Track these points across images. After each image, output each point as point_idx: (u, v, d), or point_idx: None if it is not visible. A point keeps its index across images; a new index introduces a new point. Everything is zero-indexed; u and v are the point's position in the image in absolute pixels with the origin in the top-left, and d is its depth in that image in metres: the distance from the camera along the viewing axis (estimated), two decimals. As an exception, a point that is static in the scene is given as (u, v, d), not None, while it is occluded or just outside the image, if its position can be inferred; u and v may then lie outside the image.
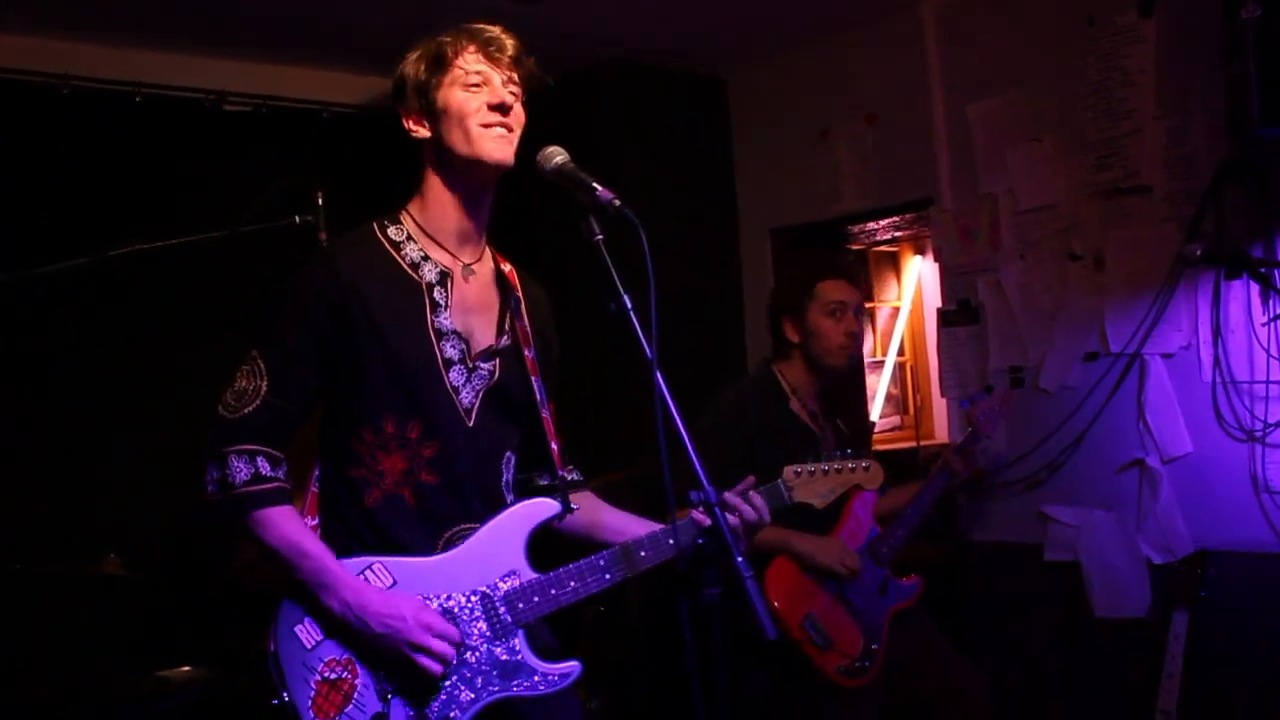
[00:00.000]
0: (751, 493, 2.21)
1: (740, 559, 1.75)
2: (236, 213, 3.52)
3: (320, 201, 3.53)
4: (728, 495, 2.16)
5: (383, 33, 4.34)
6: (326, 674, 1.96)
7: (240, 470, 1.97)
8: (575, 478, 2.36)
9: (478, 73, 2.08)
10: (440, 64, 2.08)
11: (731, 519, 2.12)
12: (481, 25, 2.12)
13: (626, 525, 2.26)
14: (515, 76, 2.12)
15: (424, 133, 2.11)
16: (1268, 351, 3.42)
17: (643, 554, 2.12)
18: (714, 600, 1.78)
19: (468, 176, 2.11)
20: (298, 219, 3.51)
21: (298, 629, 1.98)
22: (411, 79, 2.10)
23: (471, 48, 2.09)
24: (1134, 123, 3.75)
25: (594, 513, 2.30)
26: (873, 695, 3.17)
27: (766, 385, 3.37)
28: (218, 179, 4.36)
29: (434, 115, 2.08)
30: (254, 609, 3.45)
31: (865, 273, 6.25)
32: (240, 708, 3.32)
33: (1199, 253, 3.19)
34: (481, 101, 2.06)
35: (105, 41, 4.30)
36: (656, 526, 2.20)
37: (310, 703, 1.94)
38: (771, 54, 5.00)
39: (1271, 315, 3.41)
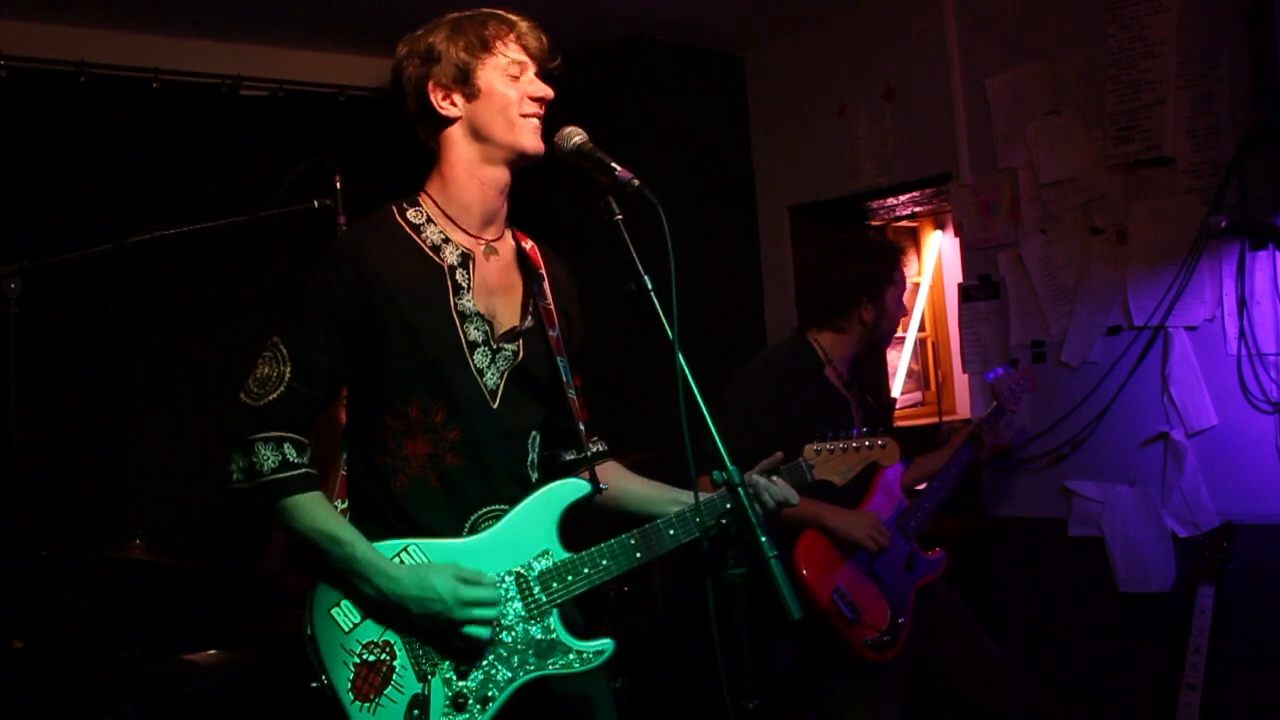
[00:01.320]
0: (775, 477, 2.21)
1: (764, 539, 1.75)
2: (255, 197, 3.53)
3: (339, 185, 3.54)
4: (755, 477, 2.16)
5: (399, 15, 4.33)
6: (365, 656, 1.97)
7: (268, 458, 1.98)
8: (601, 449, 2.37)
9: (518, 63, 2.10)
10: (484, 46, 2.08)
11: (764, 498, 2.14)
12: (512, 15, 2.13)
13: (653, 494, 2.28)
14: (543, 70, 2.14)
15: (455, 111, 2.10)
16: (1293, 323, 3.39)
17: (672, 532, 2.13)
18: (738, 579, 1.78)
19: (498, 160, 2.12)
20: (316, 203, 3.52)
21: (334, 612, 1.99)
22: (450, 55, 2.08)
23: (511, 36, 2.11)
24: (1156, 93, 3.71)
25: (621, 483, 2.31)
26: (896, 668, 3.17)
27: (802, 353, 3.37)
28: (235, 164, 4.38)
29: (471, 96, 2.08)
30: (281, 592, 3.49)
31: (885, 248, 6.21)
32: (268, 690, 3.36)
33: (1224, 224, 3.16)
34: (522, 92, 2.09)
35: (121, 28, 4.32)
36: (682, 494, 2.22)
37: (350, 684, 1.95)
38: (789, 30, 4.97)
39: (1297, 286, 3.38)
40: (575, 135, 2.04)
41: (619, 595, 3.78)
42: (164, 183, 4.25)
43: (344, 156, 3.67)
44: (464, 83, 2.08)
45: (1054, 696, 3.99)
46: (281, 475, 1.98)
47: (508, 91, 2.08)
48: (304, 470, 2.01)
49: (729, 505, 1.85)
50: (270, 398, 1.99)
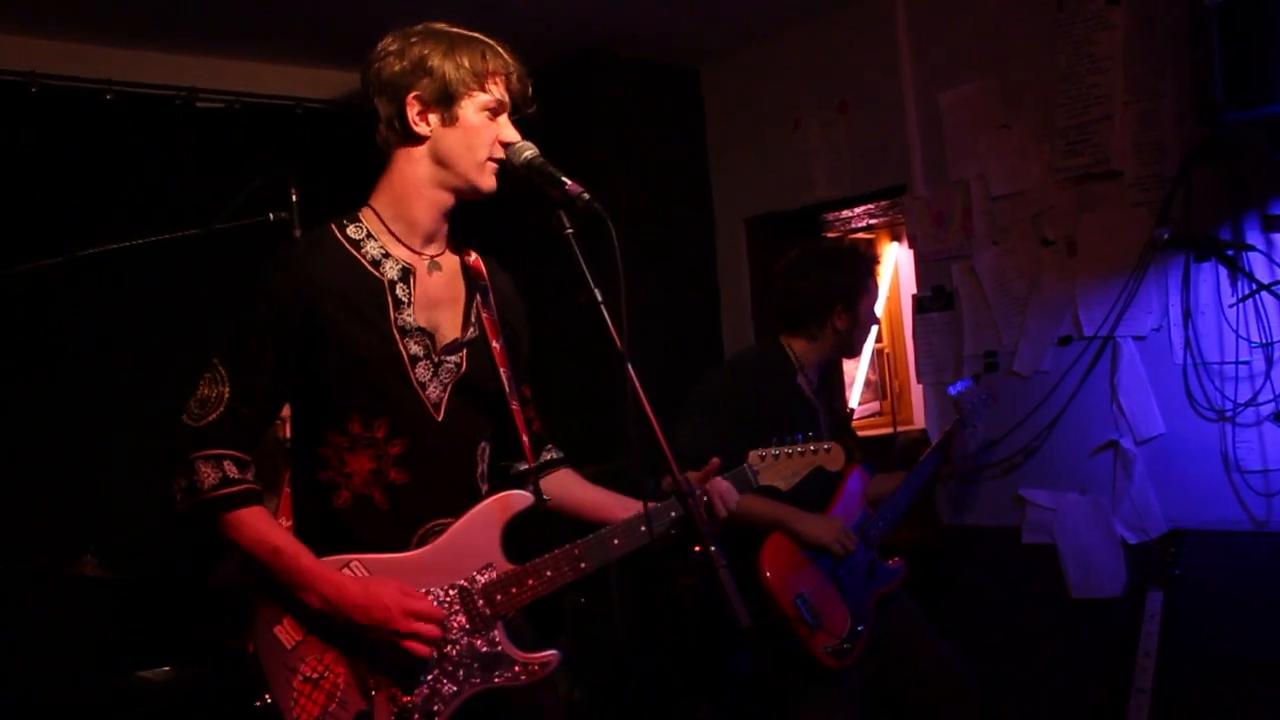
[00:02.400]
0: (717, 478, 2.23)
1: (714, 548, 1.76)
2: (210, 210, 3.51)
3: (295, 198, 3.52)
4: (707, 485, 2.18)
5: (357, 27, 4.32)
6: (308, 673, 1.96)
7: (208, 475, 1.96)
8: (554, 458, 2.38)
9: (500, 102, 2.11)
10: (478, 80, 2.08)
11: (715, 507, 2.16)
12: (508, 54, 2.13)
13: (604, 502, 2.29)
14: (518, 115, 2.16)
15: (425, 130, 2.09)
16: (1236, 332, 3.46)
17: (616, 541, 2.14)
18: (689, 588, 1.80)
19: (451, 188, 2.12)
20: (272, 216, 3.49)
21: (276, 629, 1.98)
22: (441, 75, 2.06)
23: (503, 76, 2.11)
24: (1104, 108, 3.78)
25: (572, 491, 2.33)
26: (855, 675, 3.20)
27: (776, 358, 3.39)
28: (190, 177, 4.34)
29: (448, 121, 2.08)
30: (233, 607, 3.46)
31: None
32: (221, 707, 3.33)
33: (1166, 236, 3.23)
34: (494, 134, 2.10)
35: (74, 39, 4.28)
36: (634, 503, 2.22)
37: (293, 702, 1.94)
38: (744, 43, 5.01)
39: (1239, 296, 3.44)
40: (526, 150, 2.06)
41: (576, 606, 3.78)
42: (117, 195, 4.20)
43: (301, 169, 3.65)
44: (445, 106, 2.07)
45: (1009, 701, 4.03)
46: (223, 491, 1.97)
47: (484, 129, 2.08)
48: (245, 486, 2.00)
49: (674, 515, 1.86)
50: (210, 419, 1.98)
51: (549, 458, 2.37)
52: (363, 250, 2.10)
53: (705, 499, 2.20)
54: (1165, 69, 3.61)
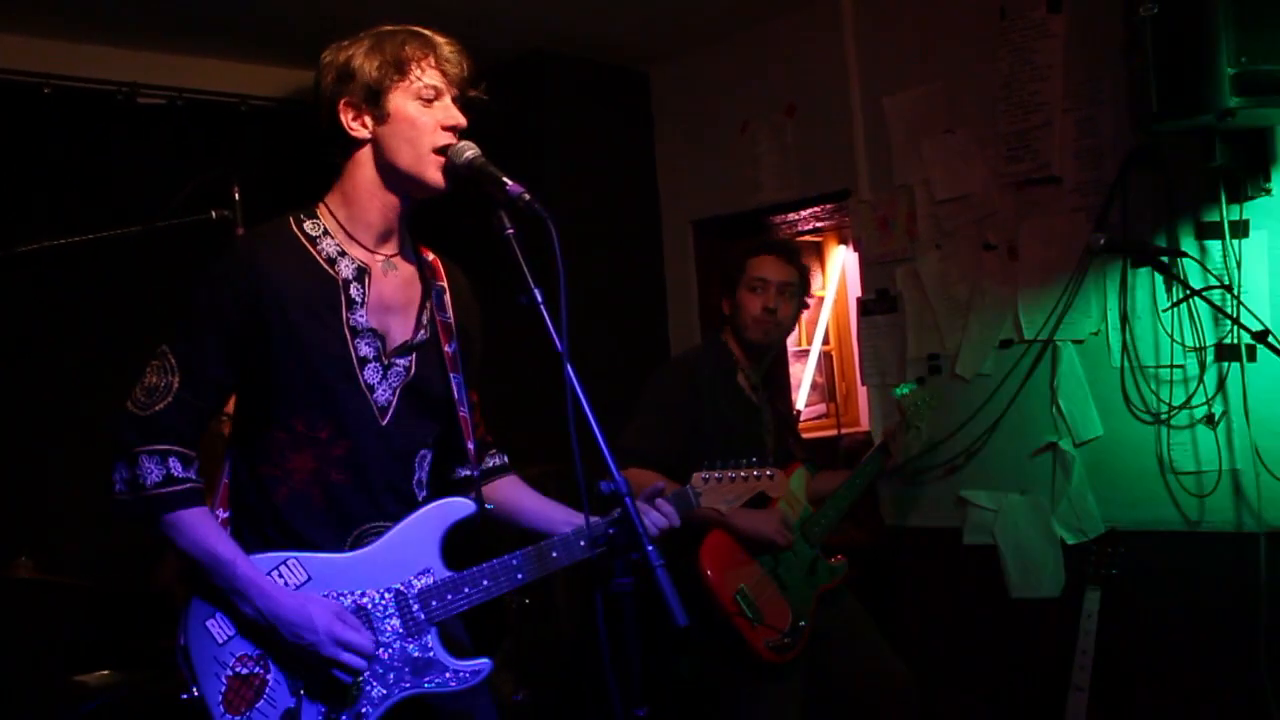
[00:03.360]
0: (660, 500, 2.24)
1: (651, 549, 1.77)
2: (152, 208, 3.47)
3: (237, 196, 3.50)
4: (641, 504, 2.18)
5: (303, 25, 4.30)
6: (238, 669, 1.95)
7: (152, 471, 1.94)
8: (498, 463, 2.37)
9: (432, 87, 2.05)
10: (398, 69, 2.03)
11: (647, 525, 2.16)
12: (435, 36, 2.09)
13: (547, 513, 2.29)
14: (461, 95, 2.10)
15: (364, 133, 2.06)
16: (1171, 337, 3.53)
17: (554, 555, 2.14)
18: (626, 589, 1.81)
19: (401, 187, 2.09)
20: (214, 214, 3.46)
21: (209, 624, 1.96)
22: (364, 74, 2.03)
23: (430, 60, 2.06)
24: (1044, 115, 3.84)
25: (517, 499, 2.33)
26: (796, 671, 3.23)
27: (718, 355, 3.42)
28: (131, 173, 4.27)
29: (381, 118, 2.05)
30: (174, 609, 3.41)
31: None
32: (162, 710, 3.29)
33: (1102, 242, 3.28)
34: (434, 120, 2.04)
35: (11, 30, 4.19)
36: (577, 515, 2.21)
37: (221, 697, 1.93)
38: (693, 46, 5.03)
39: (1173, 302, 3.52)
40: (467, 150, 2.03)
41: (520, 607, 3.78)
42: (56, 192, 4.13)
43: (243, 167, 3.62)
44: (374, 104, 2.04)
45: (950, 700, 4.08)
46: (166, 490, 1.94)
47: (419, 117, 2.04)
48: (189, 485, 1.98)
49: (612, 531, 1.87)
50: (157, 408, 1.95)
51: (493, 464, 2.36)
52: (319, 247, 2.07)
53: (644, 518, 2.19)
54: (1103, 77, 3.68)
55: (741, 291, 3.39)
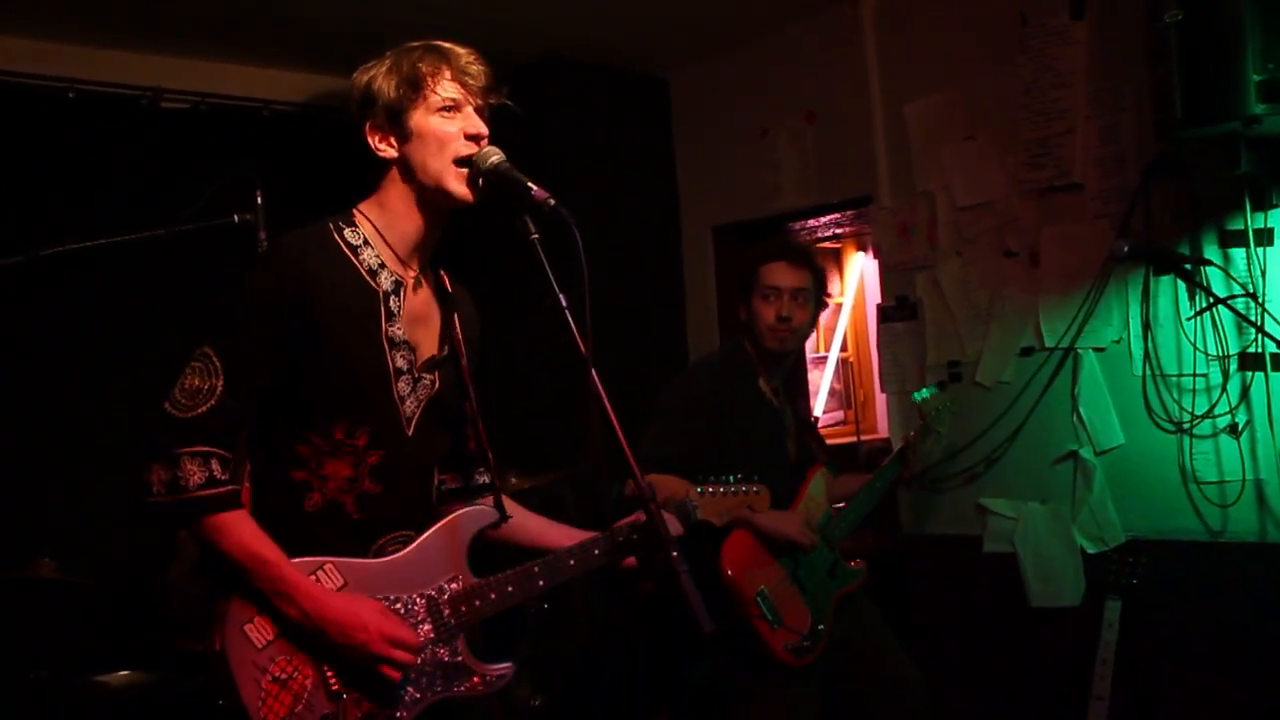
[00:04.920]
0: (664, 512, 2.25)
1: (675, 554, 1.77)
2: (174, 211, 3.48)
3: (260, 200, 3.51)
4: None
5: (324, 30, 4.32)
6: (276, 673, 1.94)
7: (194, 473, 1.92)
8: (486, 480, 2.38)
9: (451, 99, 2.07)
10: (415, 86, 2.05)
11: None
12: (453, 46, 2.11)
13: (548, 532, 2.32)
14: (483, 104, 2.12)
15: (391, 153, 2.09)
16: (1194, 345, 3.51)
17: (572, 563, 2.17)
18: (647, 593, 1.81)
19: (431, 203, 2.11)
20: (237, 218, 3.48)
21: (247, 628, 1.95)
22: (383, 96, 2.06)
23: (447, 73, 2.07)
24: (1066, 122, 3.83)
25: (519, 519, 2.33)
26: (813, 676, 3.22)
27: (738, 360, 3.42)
28: (154, 177, 4.30)
29: (404, 138, 2.07)
30: (184, 607, 3.43)
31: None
32: (183, 711, 3.30)
33: (1126, 249, 3.26)
34: (458, 128, 2.06)
35: (37, 36, 4.22)
36: (579, 533, 2.26)
37: (259, 702, 1.92)
38: (713, 52, 5.03)
39: (1197, 310, 3.49)
40: (493, 155, 2.05)
41: (539, 612, 3.77)
42: (80, 195, 4.16)
43: (266, 171, 3.63)
44: (396, 125, 2.07)
45: (968, 709, 4.06)
46: (208, 492, 1.93)
47: (442, 129, 2.06)
48: (230, 488, 1.96)
49: (635, 537, 1.87)
50: (199, 411, 1.93)
51: (484, 481, 2.36)
52: (360, 257, 2.08)
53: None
54: (1126, 84, 3.66)
55: (755, 299, 3.38)
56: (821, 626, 3.21)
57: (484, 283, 2.42)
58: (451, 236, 2.26)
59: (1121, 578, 3.54)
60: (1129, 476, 3.70)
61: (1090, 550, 3.77)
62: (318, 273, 2.01)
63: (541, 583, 2.13)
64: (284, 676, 1.94)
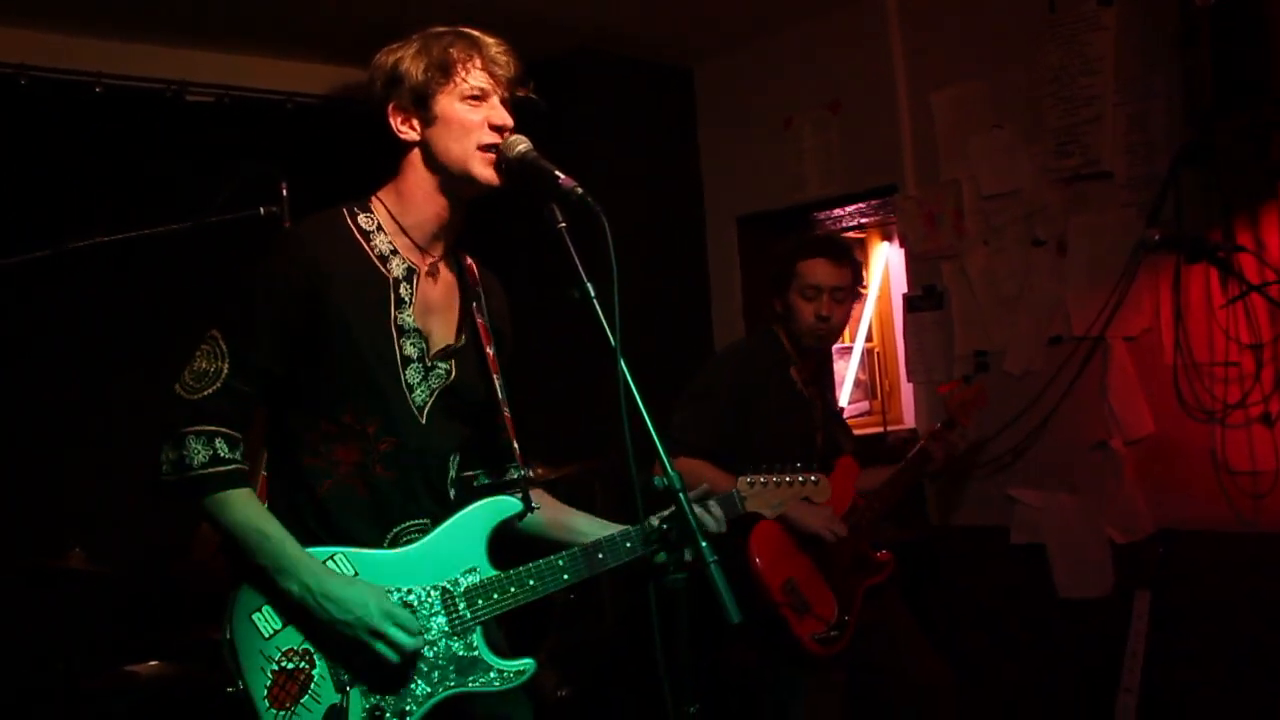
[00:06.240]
0: (710, 502, 2.23)
1: (704, 544, 1.76)
2: (200, 204, 3.50)
3: (285, 193, 3.52)
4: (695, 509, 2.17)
5: (348, 23, 4.33)
6: (284, 663, 1.95)
7: (198, 451, 1.94)
8: (532, 474, 2.36)
9: (479, 88, 2.07)
10: (445, 71, 2.05)
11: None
12: (483, 35, 2.11)
13: (579, 524, 2.28)
14: (509, 95, 2.11)
15: (413, 135, 2.09)
16: (1226, 334, 3.47)
17: (600, 556, 2.14)
18: (679, 585, 1.80)
19: (453, 188, 2.11)
20: (262, 210, 3.49)
21: (255, 617, 1.96)
22: (411, 78, 2.06)
23: (477, 61, 2.07)
24: (1094, 109, 3.79)
25: (549, 511, 2.30)
26: (839, 665, 3.22)
27: (771, 347, 3.41)
28: (180, 170, 4.31)
29: (428, 121, 2.07)
30: (219, 602, 3.45)
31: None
32: (211, 701, 3.32)
33: (1157, 238, 3.23)
34: (483, 118, 2.06)
35: (64, 31, 4.25)
36: (611, 526, 2.22)
37: (266, 691, 1.92)
38: (737, 42, 5.01)
39: (1230, 298, 3.45)
40: (520, 143, 2.05)
41: (566, 604, 3.78)
42: (106, 188, 4.18)
43: (290, 164, 3.64)
44: (422, 107, 2.07)
45: (995, 700, 4.04)
46: (211, 470, 1.95)
47: (467, 117, 2.06)
48: (235, 466, 1.98)
49: (665, 527, 1.86)
50: (206, 393, 1.96)
51: (530, 472, 2.34)
52: (372, 243, 2.09)
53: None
54: (1156, 70, 3.62)
55: (793, 295, 3.37)
56: (848, 617, 3.20)
57: (509, 272, 2.39)
58: (479, 226, 2.26)
59: (1152, 569, 3.52)
60: (1159, 466, 3.67)
61: (1120, 541, 3.74)
62: (327, 259, 2.02)
63: (566, 577, 2.11)
64: (291, 666, 1.95)
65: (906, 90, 4.40)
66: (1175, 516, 3.62)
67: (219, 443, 1.97)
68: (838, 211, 5.03)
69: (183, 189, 4.13)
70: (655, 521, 1.99)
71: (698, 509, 2.18)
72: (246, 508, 1.98)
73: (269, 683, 1.93)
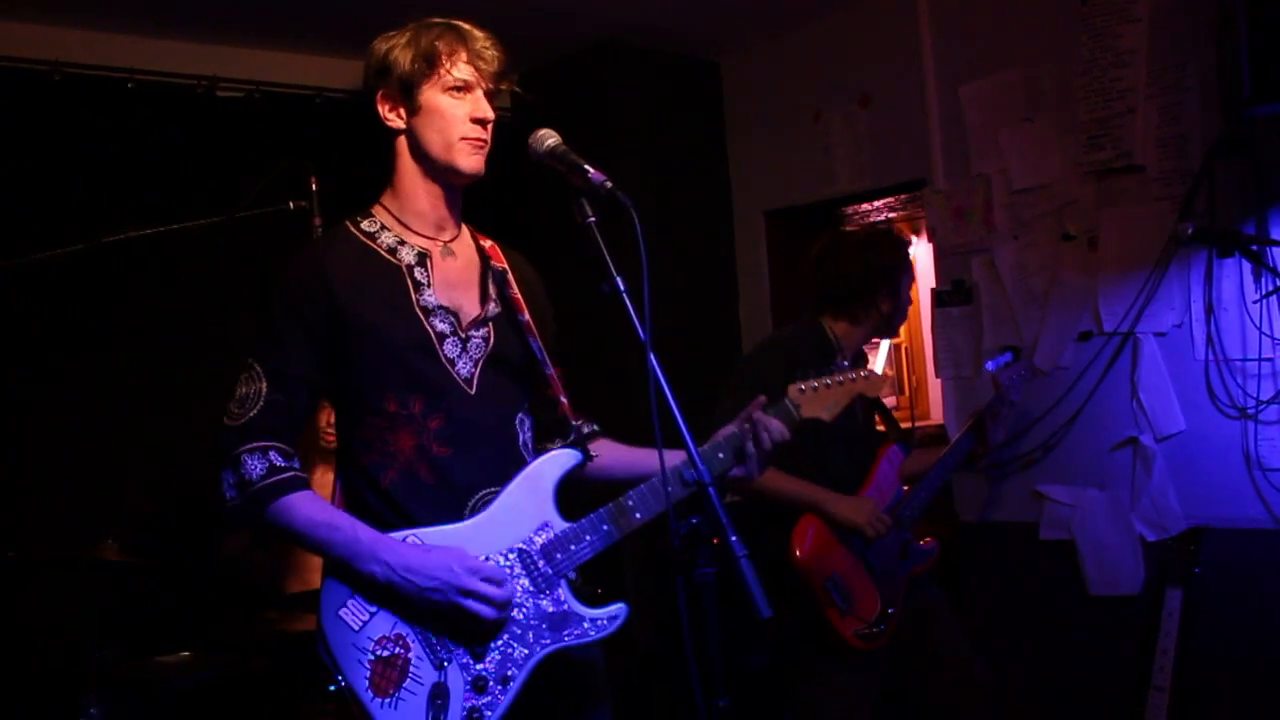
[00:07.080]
0: (768, 417, 2.18)
1: (734, 538, 1.76)
2: (231, 198, 3.53)
3: (315, 187, 3.53)
4: (756, 415, 2.16)
5: (378, 16, 4.33)
6: (379, 652, 1.96)
7: (255, 466, 1.99)
8: (592, 429, 2.36)
9: (463, 80, 2.10)
10: (430, 63, 2.09)
11: (762, 437, 2.14)
12: (472, 29, 2.13)
13: (643, 461, 2.25)
14: (494, 89, 2.15)
15: (399, 123, 2.14)
16: (1260, 329, 3.43)
17: (670, 489, 2.06)
18: (709, 579, 1.79)
19: (439, 176, 2.16)
20: (292, 205, 3.51)
21: (342, 612, 1.98)
22: (399, 68, 2.10)
23: (463, 54, 2.10)
24: (1126, 102, 3.75)
25: (615, 454, 2.31)
26: (879, 661, 3.19)
27: (816, 338, 3.39)
28: (211, 165, 4.36)
29: (413, 110, 2.11)
30: (243, 579, 3.48)
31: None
32: (244, 692, 3.34)
33: (1191, 231, 3.20)
34: (466, 111, 2.10)
35: (96, 28, 4.29)
36: (672, 457, 2.12)
37: (368, 682, 1.94)
38: (764, 36, 5.00)
39: (1264, 292, 3.42)
40: (549, 138, 2.06)
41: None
42: (139, 183, 4.23)
43: (320, 158, 3.66)
44: (408, 97, 2.11)
45: (1026, 697, 4.02)
46: (270, 480, 1.99)
47: (450, 109, 2.10)
48: (293, 473, 2.02)
49: (729, 457, 1.84)
50: (251, 414, 2.02)
51: (587, 430, 2.34)
52: (378, 240, 2.14)
53: (752, 430, 2.16)
54: (1189, 62, 3.58)
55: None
56: (891, 610, 3.18)
57: (537, 263, 2.40)
58: (501, 221, 2.26)
59: (1183, 566, 3.49)
60: (1191, 463, 3.63)
61: (1151, 538, 3.71)
62: (336, 263, 2.08)
63: (639, 515, 2.09)
64: (386, 654, 1.97)
65: (936, 83, 4.37)
66: (1207, 514, 3.59)
67: (273, 454, 2.01)
68: (866, 206, 5.02)
69: (214, 183, 4.17)
70: (719, 444, 2.04)
71: (760, 420, 2.16)
72: (310, 506, 2.01)
73: (368, 673, 1.95)
